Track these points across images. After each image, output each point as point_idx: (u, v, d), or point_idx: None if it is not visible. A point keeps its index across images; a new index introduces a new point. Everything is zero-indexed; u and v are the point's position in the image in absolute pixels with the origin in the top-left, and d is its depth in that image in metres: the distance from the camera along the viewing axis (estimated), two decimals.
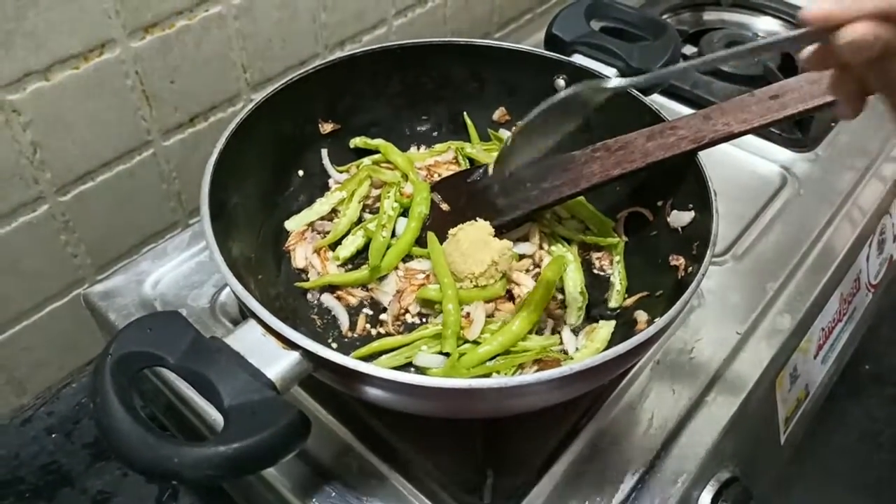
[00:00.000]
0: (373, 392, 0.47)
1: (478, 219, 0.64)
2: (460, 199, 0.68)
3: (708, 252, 0.52)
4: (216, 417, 0.57)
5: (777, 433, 0.69)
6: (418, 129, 0.76)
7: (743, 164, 0.84)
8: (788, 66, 0.96)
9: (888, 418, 0.91)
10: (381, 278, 0.64)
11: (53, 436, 0.73)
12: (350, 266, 0.67)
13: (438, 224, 0.67)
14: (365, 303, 0.64)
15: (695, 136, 0.57)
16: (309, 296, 0.64)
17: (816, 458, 0.86)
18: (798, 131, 0.86)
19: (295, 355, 0.44)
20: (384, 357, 0.58)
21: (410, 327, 0.62)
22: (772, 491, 0.73)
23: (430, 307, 0.62)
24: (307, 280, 0.64)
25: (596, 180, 0.61)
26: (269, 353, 0.44)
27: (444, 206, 0.68)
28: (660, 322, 0.47)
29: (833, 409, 0.84)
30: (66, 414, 0.74)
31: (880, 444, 0.89)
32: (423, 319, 0.62)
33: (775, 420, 0.68)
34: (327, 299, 0.64)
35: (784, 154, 0.85)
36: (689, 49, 1.00)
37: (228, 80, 0.76)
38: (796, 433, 0.73)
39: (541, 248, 0.67)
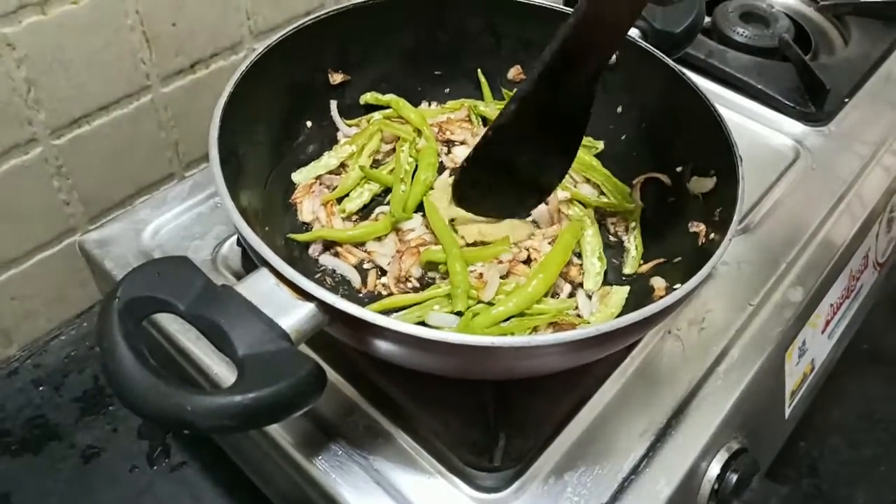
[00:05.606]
0: (387, 347, 0.45)
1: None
2: None
3: (734, 219, 0.51)
4: (218, 371, 0.55)
5: (783, 406, 0.69)
6: (430, 84, 0.73)
7: (756, 137, 0.82)
8: (803, 38, 0.95)
9: (884, 397, 0.91)
10: (378, 239, 0.62)
11: (41, 388, 0.70)
12: (356, 219, 0.64)
13: None
14: (365, 262, 0.62)
15: None
16: (311, 250, 0.62)
17: (815, 433, 0.86)
18: (812, 105, 0.84)
19: (310, 307, 0.42)
20: (395, 315, 0.56)
21: (414, 290, 0.60)
22: (771, 463, 0.73)
23: (436, 270, 0.60)
24: None
25: None
26: (283, 304, 0.42)
27: None
28: (686, 286, 0.46)
29: (832, 385, 0.84)
30: (54, 366, 0.72)
31: (876, 421, 0.89)
32: (431, 280, 0.60)
33: (782, 393, 0.68)
34: (326, 259, 0.61)
35: (797, 127, 0.83)
36: None
37: (231, 25, 0.73)
38: (800, 407, 0.73)
39: (558, 211, 0.65)
